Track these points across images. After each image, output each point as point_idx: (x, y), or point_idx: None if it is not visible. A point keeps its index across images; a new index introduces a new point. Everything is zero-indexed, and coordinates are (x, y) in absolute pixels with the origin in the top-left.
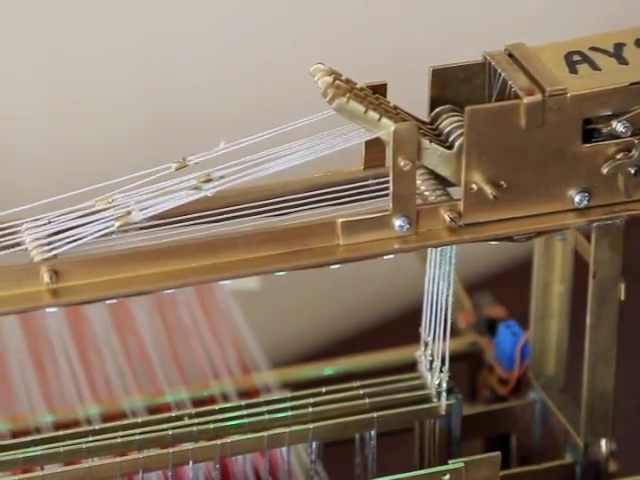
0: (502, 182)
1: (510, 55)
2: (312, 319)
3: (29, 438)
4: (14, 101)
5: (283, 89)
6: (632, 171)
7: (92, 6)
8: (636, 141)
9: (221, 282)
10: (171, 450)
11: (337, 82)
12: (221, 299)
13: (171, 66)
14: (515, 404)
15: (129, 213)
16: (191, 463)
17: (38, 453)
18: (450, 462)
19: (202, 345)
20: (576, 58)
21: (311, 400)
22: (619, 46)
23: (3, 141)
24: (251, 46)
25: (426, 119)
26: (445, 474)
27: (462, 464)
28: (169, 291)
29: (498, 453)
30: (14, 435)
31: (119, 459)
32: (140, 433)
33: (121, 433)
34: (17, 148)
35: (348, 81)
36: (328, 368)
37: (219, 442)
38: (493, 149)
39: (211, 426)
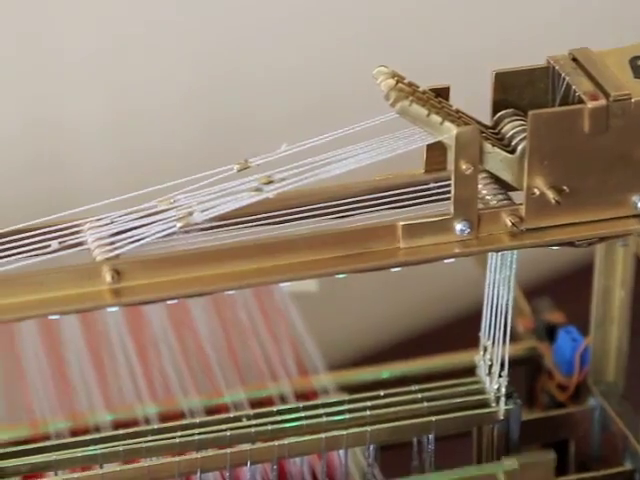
0: (564, 187)
1: (574, 59)
2: (370, 321)
3: (88, 437)
4: (76, 102)
5: (345, 91)
6: None
7: (153, 7)
8: None
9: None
10: (229, 451)
11: (400, 85)
12: (279, 300)
13: (234, 67)
14: (574, 410)
15: (191, 214)
16: (249, 464)
17: (98, 452)
18: (504, 460)
19: (260, 346)
20: None
21: (369, 403)
22: None
23: (66, 142)
24: (315, 48)
25: (488, 123)
26: (499, 474)
27: (516, 466)
28: (229, 292)
29: (553, 455)
30: (73, 434)
31: (177, 459)
32: (198, 433)
33: (180, 433)
34: (80, 149)
35: (411, 84)
36: (385, 371)
37: (277, 443)
38: (556, 154)
39: (269, 427)
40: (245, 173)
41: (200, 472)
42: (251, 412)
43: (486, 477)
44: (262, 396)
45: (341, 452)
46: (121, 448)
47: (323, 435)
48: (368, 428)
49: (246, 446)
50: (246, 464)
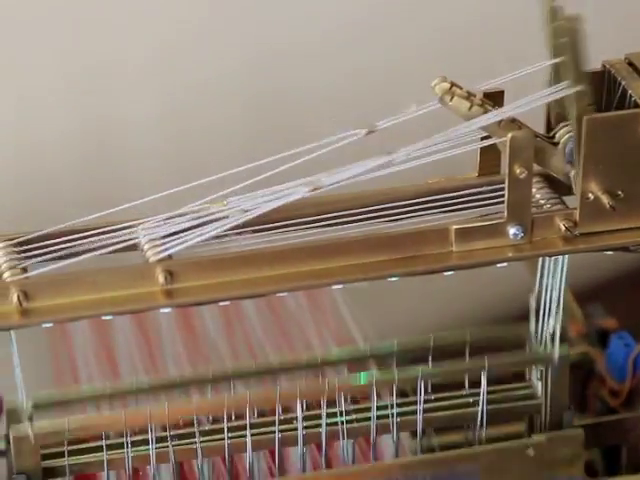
0: (619, 192)
1: (630, 64)
2: (419, 324)
3: (140, 437)
4: (135, 102)
5: (399, 95)
6: None
7: (208, 6)
8: None
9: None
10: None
11: (454, 88)
12: (330, 301)
13: (285, 75)
14: (626, 416)
15: (243, 215)
16: (300, 442)
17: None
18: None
19: (310, 347)
20: None
21: (420, 406)
22: None
23: (118, 141)
24: (370, 53)
25: (542, 128)
26: (528, 447)
27: (544, 437)
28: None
29: (580, 430)
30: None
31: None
32: (251, 435)
33: (230, 434)
34: (133, 151)
35: (467, 92)
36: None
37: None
38: (611, 158)
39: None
40: (296, 175)
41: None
42: (301, 414)
43: (516, 451)
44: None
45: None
46: (171, 448)
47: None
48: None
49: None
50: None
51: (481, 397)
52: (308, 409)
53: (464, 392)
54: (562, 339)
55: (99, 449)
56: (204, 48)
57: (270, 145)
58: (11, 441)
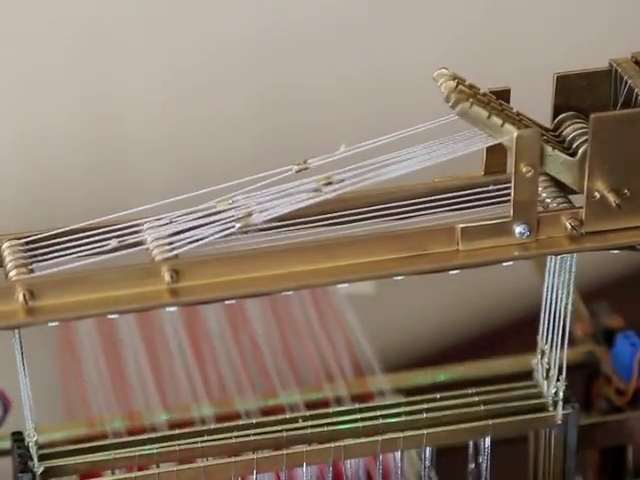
0: (626, 190)
1: (637, 62)
2: (427, 324)
3: (145, 436)
4: (138, 102)
5: (405, 93)
6: None
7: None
8: None
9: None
10: (285, 452)
11: (460, 87)
12: (335, 301)
13: (294, 71)
14: (632, 416)
15: (250, 215)
16: (305, 465)
17: (154, 451)
18: None
19: (316, 347)
20: None
21: (425, 406)
22: None
23: (125, 142)
24: (374, 50)
25: (549, 126)
26: None
27: None
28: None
29: None
30: (130, 432)
31: (234, 459)
32: (254, 434)
33: (236, 433)
34: (139, 149)
35: (471, 86)
36: (442, 374)
37: (333, 445)
38: (617, 157)
39: (325, 429)
40: (304, 174)
41: (256, 473)
42: (307, 413)
43: None
44: (318, 397)
45: (397, 454)
46: (177, 447)
47: (379, 437)
48: (424, 431)
49: (302, 447)
50: (302, 465)
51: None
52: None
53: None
54: (571, 334)
55: (104, 448)
56: (206, 31)
57: (278, 143)
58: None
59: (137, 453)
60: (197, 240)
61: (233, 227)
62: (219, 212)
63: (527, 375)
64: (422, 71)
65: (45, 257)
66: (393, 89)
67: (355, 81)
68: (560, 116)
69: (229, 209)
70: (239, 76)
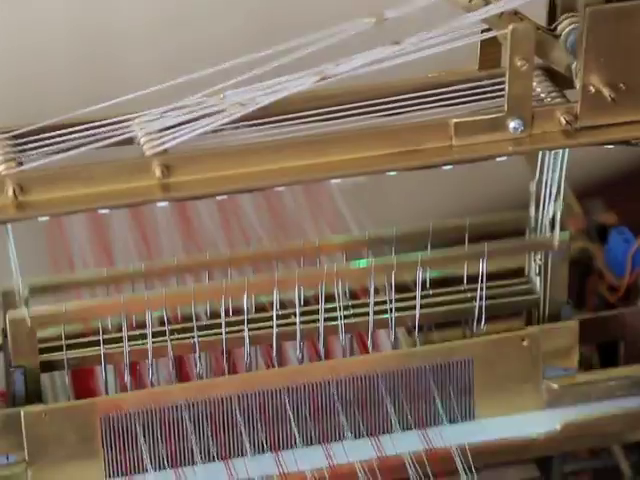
0: (621, 84)
1: None
2: (416, 217)
3: (138, 332)
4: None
5: None
6: None
7: None
8: None
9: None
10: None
11: None
12: (327, 194)
13: None
14: (624, 311)
15: (241, 107)
16: (298, 337)
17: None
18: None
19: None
20: None
21: (418, 298)
22: None
23: (115, 36)
24: None
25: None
26: (523, 339)
27: (538, 329)
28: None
29: (575, 322)
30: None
31: (224, 282)
32: (249, 329)
33: (228, 329)
34: (128, 43)
35: None
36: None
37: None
38: (613, 50)
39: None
40: (299, 67)
41: (247, 297)
42: (299, 310)
43: (511, 342)
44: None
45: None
46: (170, 343)
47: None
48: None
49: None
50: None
51: (479, 285)
52: (306, 304)
53: (462, 287)
54: (562, 227)
55: (97, 343)
56: None
57: (275, 37)
58: (7, 326)
59: (130, 348)
60: (188, 134)
61: (224, 120)
62: (209, 106)
63: (519, 272)
64: None
65: (35, 151)
66: None
67: None
68: (559, 8)
69: (219, 104)
70: None
